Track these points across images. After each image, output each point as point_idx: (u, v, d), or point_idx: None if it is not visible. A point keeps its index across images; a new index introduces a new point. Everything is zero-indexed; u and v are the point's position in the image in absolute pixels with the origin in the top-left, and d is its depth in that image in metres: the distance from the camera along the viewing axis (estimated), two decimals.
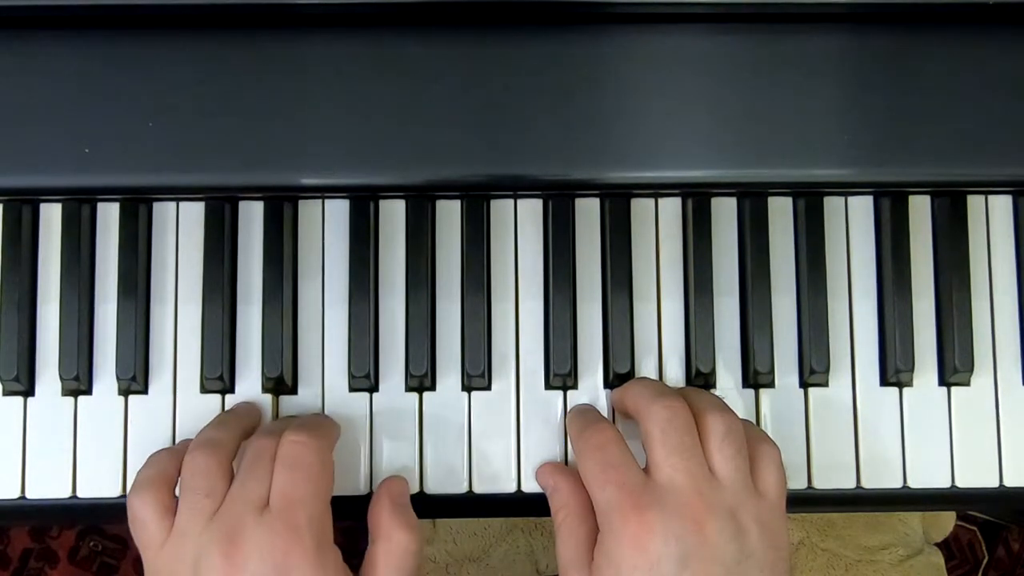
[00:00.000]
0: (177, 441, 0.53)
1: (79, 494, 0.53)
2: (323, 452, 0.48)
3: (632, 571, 0.44)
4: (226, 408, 0.53)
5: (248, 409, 0.53)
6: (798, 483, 0.54)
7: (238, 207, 0.54)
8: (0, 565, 1.16)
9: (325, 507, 0.47)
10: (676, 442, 0.47)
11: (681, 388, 0.53)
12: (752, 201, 0.54)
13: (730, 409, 0.49)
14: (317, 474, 0.47)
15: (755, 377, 0.54)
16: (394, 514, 0.49)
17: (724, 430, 0.47)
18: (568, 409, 0.54)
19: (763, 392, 0.54)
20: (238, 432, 0.50)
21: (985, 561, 1.19)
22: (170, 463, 0.49)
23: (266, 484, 0.46)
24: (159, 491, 0.48)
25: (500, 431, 0.54)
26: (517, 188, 0.54)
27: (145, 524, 0.47)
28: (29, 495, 0.53)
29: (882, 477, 0.54)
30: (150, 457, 0.50)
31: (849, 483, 0.54)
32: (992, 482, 0.54)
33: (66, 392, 0.53)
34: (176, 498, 0.48)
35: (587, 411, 0.53)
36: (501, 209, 0.55)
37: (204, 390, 0.54)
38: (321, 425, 0.50)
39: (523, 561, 0.80)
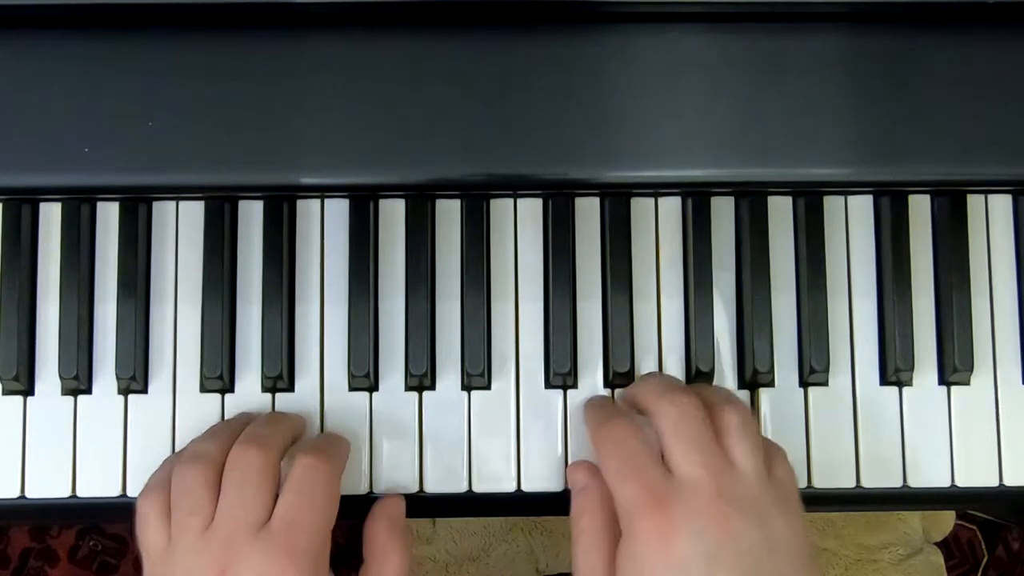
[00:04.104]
0: (177, 441, 0.53)
1: (79, 493, 0.53)
2: (335, 480, 0.48)
3: (655, 570, 0.43)
4: (225, 409, 0.53)
5: (243, 421, 0.52)
6: (798, 482, 0.53)
7: (238, 207, 0.54)
8: (0, 564, 1.16)
9: (326, 535, 0.47)
10: (691, 437, 0.46)
11: (691, 385, 0.53)
12: (752, 201, 0.54)
13: (742, 402, 0.49)
14: (325, 502, 0.47)
15: (755, 376, 0.54)
16: (392, 535, 0.49)
17: (740, 422, 0.47)
18: (585, 401, 0.53)
19: (763, 391, 0.54)
20: (227, 444, 0.49)
21: (985, 560, 1.19)
22: None
23: (260, 502, 0.46)
24: (168, 495, 0.48)
25: (500, 430, 0.54)
26: (517, 188, 0.54)
27: (148, 525, 0.47)
28: (29, 495, 0.53)
29: (882, 476, 0.54)
30: (163, 462, 0.51)
31: (849, 482, 0.54)
32: (992, 481, 0.54)
33: (66, 391, 0.53)
34: None
35: (604, 404, 0.52)
36: (501, 209, 0.55)
37: (204, 389, 0.54)
38: (335, 446, 0.50)
39: (523, 561, 0.80)
